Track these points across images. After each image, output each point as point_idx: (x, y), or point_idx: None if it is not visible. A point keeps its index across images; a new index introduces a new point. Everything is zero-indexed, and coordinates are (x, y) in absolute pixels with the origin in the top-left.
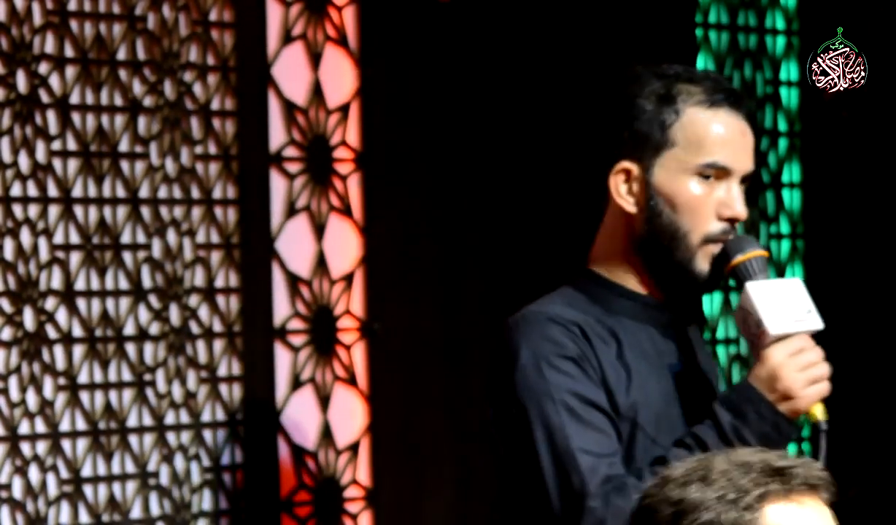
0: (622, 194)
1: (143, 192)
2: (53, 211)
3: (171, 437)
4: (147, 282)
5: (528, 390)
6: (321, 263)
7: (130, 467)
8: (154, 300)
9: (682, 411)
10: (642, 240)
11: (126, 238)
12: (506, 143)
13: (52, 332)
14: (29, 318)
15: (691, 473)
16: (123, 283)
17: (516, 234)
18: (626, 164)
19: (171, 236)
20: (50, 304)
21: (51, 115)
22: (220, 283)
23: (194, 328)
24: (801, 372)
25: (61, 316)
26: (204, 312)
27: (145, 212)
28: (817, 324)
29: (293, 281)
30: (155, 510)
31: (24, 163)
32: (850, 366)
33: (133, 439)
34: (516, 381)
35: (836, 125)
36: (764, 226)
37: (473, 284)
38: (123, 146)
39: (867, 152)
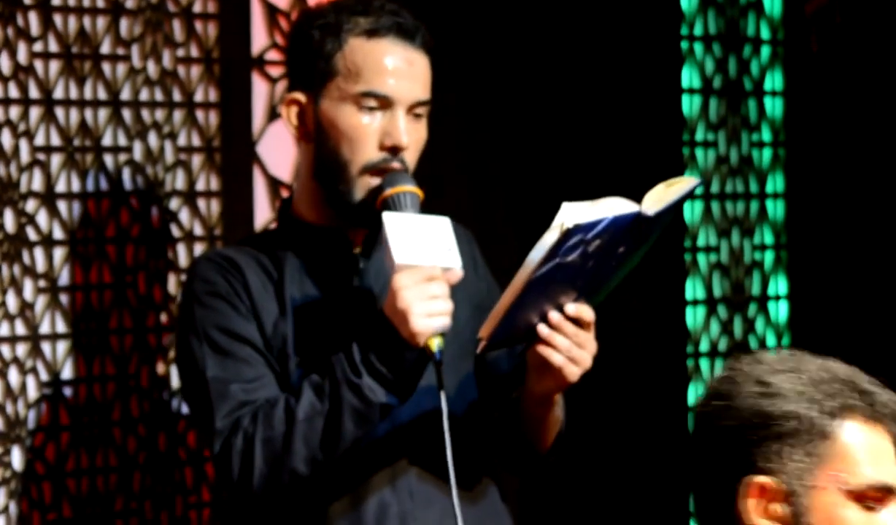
0: (294, 125)
1: (125, 95)
2: (34, 113)
3: (151, 338)
4: (128, 184)
5: (182, 328)
6: None
7: (111, 369)
8: (134, 202)
9: (344, 337)
10: (316, 169)
11: (107, 141)
12: (489, 146)
13: (32, 235)
14: (9, 220)
15: (784, 362)
16: (104, 186)
17: (503, 232)
18: (296, 94)
19: (153, 139)
20: (31, 206)
21: (32, 17)
22: (200, 186)
23: (175, 231)
24: (421, 300)
25: (42, 218)
26: (185, 216)
27: (126, 114)
28: (453, 262)
29: (274, 184)
30: (136, 412)
31: (5, 64)
32: None
33: (113, 341)
34: (178, 320)
35: (821, 135)
36: (748, 236)
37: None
38: (105, 48)
39: (852, 162)
